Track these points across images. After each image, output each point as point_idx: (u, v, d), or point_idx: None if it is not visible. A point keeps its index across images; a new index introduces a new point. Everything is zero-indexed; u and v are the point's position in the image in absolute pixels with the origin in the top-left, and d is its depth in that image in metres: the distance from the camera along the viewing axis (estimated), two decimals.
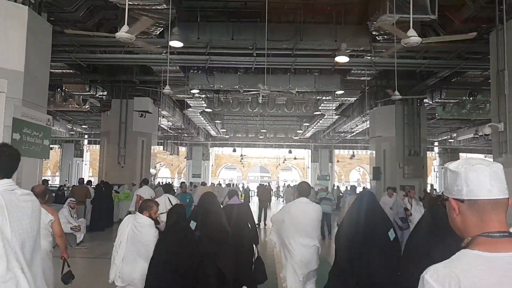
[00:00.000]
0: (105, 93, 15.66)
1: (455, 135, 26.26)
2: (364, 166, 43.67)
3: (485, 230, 1.12)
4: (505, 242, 1.10)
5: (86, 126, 26.92)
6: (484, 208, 1.13)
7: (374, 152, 15.93)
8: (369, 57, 10.00)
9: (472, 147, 30.05)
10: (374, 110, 15.72)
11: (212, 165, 36.63)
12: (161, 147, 25.13)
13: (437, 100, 15.37)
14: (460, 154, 30.81)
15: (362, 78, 14.02)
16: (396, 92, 10.66)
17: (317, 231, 4.10)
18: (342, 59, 9.20)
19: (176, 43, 8.99)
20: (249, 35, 9.89)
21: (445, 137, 27.04)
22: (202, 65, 11.20)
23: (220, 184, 24.72)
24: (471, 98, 15.73)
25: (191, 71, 13.63)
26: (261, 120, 25.44)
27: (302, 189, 4.26)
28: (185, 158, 34.13)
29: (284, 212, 4.19)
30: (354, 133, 25.87)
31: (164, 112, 18.50)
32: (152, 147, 16.24)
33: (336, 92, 14.15)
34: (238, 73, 13.56)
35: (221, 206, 5.21)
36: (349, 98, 16.19)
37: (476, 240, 1.12)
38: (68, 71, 13.82)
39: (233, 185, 26.27)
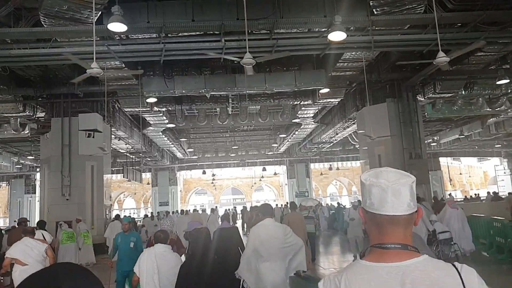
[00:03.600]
0: (44, 112, 12.83)
1: (436, 138, 25.09)
2: (341, 179, 42.14)
3: (381, 241, 1.19)
4: (394, 253, 1.16)
5: (33, 157, 23.56)
6: (382, 222, 1.20)
7: (366, 159, 13.97)
8: (366, 36, 7.99)
9: (454, 150, 29.24)
10: (363, 111, 13.84)
11: (181, 191, 33.60)
12: (121, 175, 22.24)
13: (430, 95, 13.70)
14: (440, 158, 29.79)
15: (348, 73, 12.15)
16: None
17: (283, 253, 3.95)
18: (337, 35, 7.16)
19: (117, 26, 6.66)
20: (215, 15, 7.68)
21: (428, 141, 25.78)
22: (156, 57, 8.80)
23: (203, 211, 21.98)
24: (466, 92, 14.27)
25: (145, 75, 11.20)
26: (231, 136, 23.17)
27: (266, 210, 4.22)
28: (148, 184, 30.97)
29: (252, 239, 4.03)
30: (332, 144, 24.17)
31: (119, 133, 15.82)
32: (108, 176, 13.44)
33: (320, 91, 12.16)
34: (204, 74, 11.27)
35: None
36: (332, 100, 14.26)
37: (370, 250, 1.22)
38: None
39: (226, 210, 24.37)
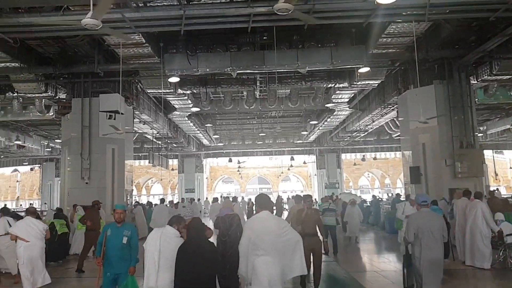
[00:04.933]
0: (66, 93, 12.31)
1: (484, 128, 23.01)
2: (374, 171, 40.39)
3: None
4: None
5: (61, 140, 23.62)
6: None
7: (408, 149, 12.61)
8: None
9: (501, 142, 26.86)
10: (406, 95, 12.45)
11: (207, 178, 33.11)
12: (144, 161, 21.89)
13: (484, 77, 12.06)
14: (485, 151, 27.51)
15: (391, 50, 10.80)
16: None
17: (279, 247, 3.84)
18: None
19: None
20: None
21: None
22: (175, 27, 7.85)
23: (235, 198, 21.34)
24: None
25: (168, 53, 10.37)
26: (258, 122, 22.18)
27: (263, 202, 4.11)
28: (173, 170, 30.56)
29: (247, 232, 3.96)
30: (366, 133, 22.69)
31: (144, 116, 15.18)
32: (130, 160, 12.82)
33: (359, 71, 10.90)
34: (230, 51, 10.28)
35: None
36: (371, 82, 12.94)
37: None
38: (11, 64, 10.43)
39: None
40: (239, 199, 19.33)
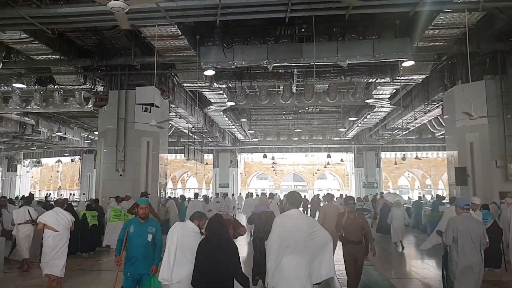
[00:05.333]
0: (103, 85, 12.57)
1: None
2: (414, 171, 38.75)
3: None
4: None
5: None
6: None
7: (454, 149, 11.79)
8: None
9: None
10: (453, 90, 11.64)
11: (241, 173, 33.11)
12: (180, 155, 22.14)
13: None
14: None
15: (438, 43, 10.07)
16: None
17: (308, 246, 3.68)
18: None
19: None
20: None
21: None
22: (211, 17, 7.66)
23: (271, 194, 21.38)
24: None
25: (204, 45, 10.26)
26: (294, 118, 21.77)
27: (294, 200, 3.97)
28: (207, 165, 30.75)
29: (276, 229, 3.80)
30: (407, 131, 21.66)
31: (180, 110, 15.27)
32: (165, 153, 12.92)
33: (403, 65, 10.27)
34: (266, 44, 10.01)
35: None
36: (415, 76, 12.21)
37: None
38: (52, 56, 10.75)
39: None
40: (276, 196, 19.09)
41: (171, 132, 21.77)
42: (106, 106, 11.71)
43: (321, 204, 23.50)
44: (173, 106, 14.21)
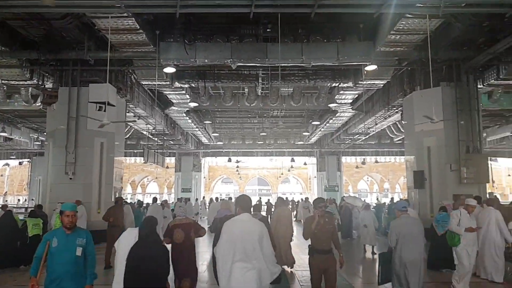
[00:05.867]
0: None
1: (484, 135, 22.51)
2: (373, 175, 39.82)
3: None
4: None
5: None
6: None
7: (412, 153, 12.01)
8: None
9: (500, 149, 26.41)
10: (412, 96, 11.89)
11: (205, 178, 32.45)
12: (140, 158, 21.30)
13: (491, 81, 11.52)
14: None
15: (398, 49, 10.21)
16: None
17: (258, 252, 3.53)
18: None
19: None
20: None
21: None
22: (170, 8, 7.23)
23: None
24: None
25: (164, 41, 9.78)
26: (260, 122, 21.59)
27: (245, 204, 3.81)
28: (168, 168, 29.87)
29: (225, 235, 3.65)
30: (367, 136, 22.14)
31: (138, 110, 14.59)
32: (120, 156, 12.22)
33: (366, 68, 10.32)
34: (231, 42, 9.71)
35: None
36: (377, 81, 12.36)
37: None
38: None
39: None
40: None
41: (130, 134, 20.89)
42: (55, 104, 10.89)
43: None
44: (131, 105, 13.54)
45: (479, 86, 11.70)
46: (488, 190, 12.02)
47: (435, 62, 11.01)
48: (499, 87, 12.97)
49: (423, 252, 4.88)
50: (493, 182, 31.97)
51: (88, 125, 10.52)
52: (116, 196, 11.42)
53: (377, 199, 22.81)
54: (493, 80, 11.35)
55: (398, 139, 22.12)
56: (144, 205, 14.47)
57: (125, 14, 8.03)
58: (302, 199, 23.67)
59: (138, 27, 8.89)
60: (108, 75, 9.18)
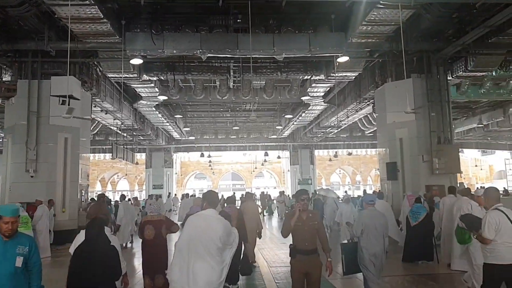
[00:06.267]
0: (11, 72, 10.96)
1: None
2: (345, 167, 40.44)
3: None
4: None
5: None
6: None
7: (385, 145, 12.11)
8: None
9: (466, 141, 27.40)
10: (383, 88, 11.99)
11: (176, 173, 31.83)
12: (110, 155, 20.58)
13: (459, 73, 11.75)
14: None
15: (370, 40, 10.20)
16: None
17: (219, 249, 3.44)
18: None
19: None
20: None
21: None
22: None
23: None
24: (501, 71, 12.39)
25: (130, 31, 9.34)
26: (232, 116, 21.31)
27: (212, 199, 3.72)
28: (137, 164, 29.08)
29: (188, 229, 3.55)
30: (339, 129, 22.33)
31: (106, 105, 13.99)
32: (86, 151, 11.65)
33: (338, 60, 10.26)
34: (200, 32, 9.38)
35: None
36: (348, 74, 12.35)
37: None
38: None
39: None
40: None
41: (97, 129, 20.13)
42: (14, 98, 10.21)
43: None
44: (97, 100, 12.95)
45: (448, 78, 11.94)
46: (459, 181, 12.29)
47: (406, 53, 11.08)
48: (467, 79, 13.27)
49: (383, 245, 5.10)
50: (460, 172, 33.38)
51: (50, 120, 9.97)
52: (82, 194, 10.95)
53: (345, 192, 22.94)
54: (461, 72, 11.57)
55: (369, 131, 22.45)
56: (113, 202, 13.91)
57: (87, 2, 7.56)
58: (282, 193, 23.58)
59: (102, 16, 8.41)
60: (68, 66, 8.61)
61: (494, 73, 12.81)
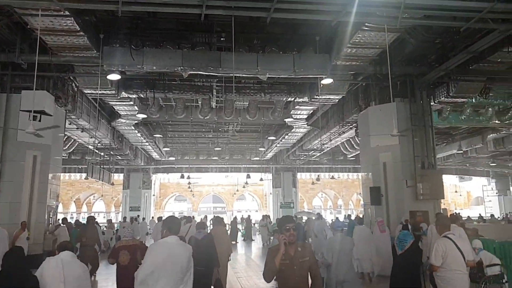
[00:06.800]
0: None
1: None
2: (327, 191, 40.26)
3: None
4: None
5: None
6: None
7: (368, 169, 11.90)
8: None
9: (446, 167, 27.72)
10: (367, 111, 11.89)
11: (154, 195, 30.85)
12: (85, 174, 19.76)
13: (441, 99, 11.78)
14: None
15: (354, 63, 10.12)
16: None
17: (186, 277, 3.37)
18: None
19: None
20: None
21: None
22: (111, 5, 6.45)
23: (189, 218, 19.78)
24: (481, 98, 12.53)
25: (108, 45, 8.97)
26: (214, 136, 20.94)
27: (172, 225, 3.56)
28: (112, 185, 28.00)
29: (149, 259, 3.38)
30: (322, 152, 22.22)
31: (82, 122, 13.42)
32: (59, 173, 11.00)
33: (322, 82, 10.11)
34: (182, 49, 9.10)
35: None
36: (332, 96, 12.25)
37: None
38: None
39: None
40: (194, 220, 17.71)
41: (73, 147, 19.39)
42: None
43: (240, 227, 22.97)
44: (73, 116, 12.40)
45: (431, 103, 11.97)
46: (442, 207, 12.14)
47: (390, 77, 11.11)
48: (449, 105, 13.37)
49: (354, 272, 5.33)
50: (444, 198, 33.62)
51: (18, 137, 9.34)
52: (51, 216, 10.25)
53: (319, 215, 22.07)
54: (443, 98, 11.59)
55: (351, 155, 22.43)
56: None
57: (62, 13, 7.20)
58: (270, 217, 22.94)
59: (79, 29, 8.04)
60: (47, 82, 8.17)
61: (474, 100, 12.94)
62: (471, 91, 11.44)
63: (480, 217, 24.02)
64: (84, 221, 11.36)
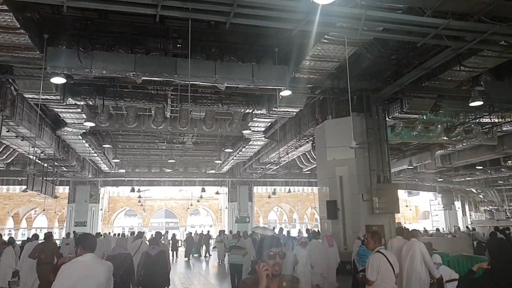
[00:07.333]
0: None
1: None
2: (283, 205, 40.29)
3: None
4: None
5: None
6: None
7: (325, 183, 11.86)
8: (356, 10, 5.90)
9: (397, 181, 28.77)
10: (324, 125, 11.94)
11: (102, 209, 29.09)
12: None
13: (395, 114, 12.14)
14: None
15: (312, 76, 10.11)
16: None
17: None
18: None
19: None
20: None
21: None
22: (55, 0, 5.88)
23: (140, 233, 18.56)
24: (432, 114, 13.08)
25: (53, 46, 8.24)
26: (168, 148, 20.17)
27: (87, 243, 3.34)
28: (55, 198, 26.16)
29: (60, 281, 3.09)
30: (278, 166, 22.19)
31: (22, 130, 12.28)
32: None
33: (281, 94, 9.98)
34: (135, 53, 8.57)
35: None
36: (290, 109, 12.17)
37: None
38: None
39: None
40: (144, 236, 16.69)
41: (12, 158, 17.81)
42: None
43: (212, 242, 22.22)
44: (11, 123, 11.31)
45: (387, 118, 12.26)
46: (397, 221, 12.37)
47: (346, 91, 11.24)
48: (402, 120, 13.80)
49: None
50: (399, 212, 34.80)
51: None
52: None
53: (281, 228, 21.14)
54: (397, 113, 11.93)
55: (307, 169, 22.59)
56: (19, 242, 11.87)
57: None
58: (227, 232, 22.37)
59: (19, 26, 7.30)
60: None
61: (425, 117, 13.47)
62: (423, 108, 11.87)
63: (425, 230, 25.00)
64: (24, 238, 10.33)
